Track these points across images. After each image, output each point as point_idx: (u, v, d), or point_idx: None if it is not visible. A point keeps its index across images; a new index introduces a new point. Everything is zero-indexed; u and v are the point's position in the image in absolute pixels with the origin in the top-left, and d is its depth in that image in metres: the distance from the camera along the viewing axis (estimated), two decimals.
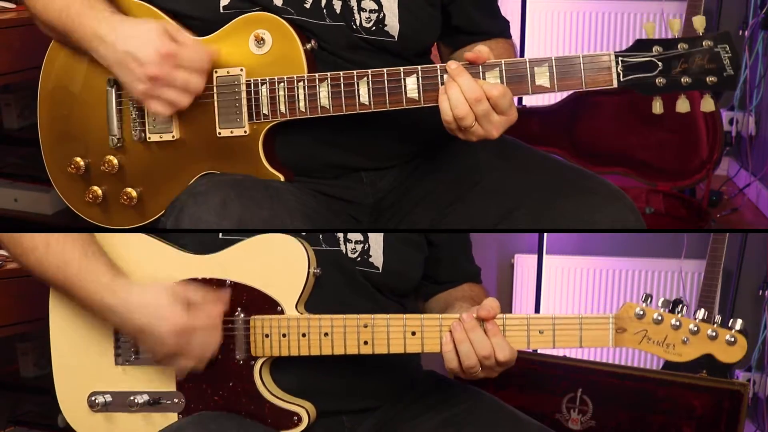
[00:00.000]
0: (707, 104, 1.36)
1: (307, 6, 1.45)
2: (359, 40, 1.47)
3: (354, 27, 1.46)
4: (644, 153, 2.98)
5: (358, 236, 1.43)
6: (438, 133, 1.60)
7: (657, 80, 1.34)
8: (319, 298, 1.37)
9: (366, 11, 1.46)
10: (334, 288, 1.40)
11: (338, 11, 1.45)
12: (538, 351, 2.66)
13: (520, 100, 3.07)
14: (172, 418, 1.38)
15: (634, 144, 2.98)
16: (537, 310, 2.98)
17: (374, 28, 1.47)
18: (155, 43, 1.35)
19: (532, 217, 1.43)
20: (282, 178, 1.45)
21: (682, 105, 1.35)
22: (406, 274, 1.49)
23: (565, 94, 3.08)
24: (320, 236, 1.41)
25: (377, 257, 1.44)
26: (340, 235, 1.42)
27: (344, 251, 1.42)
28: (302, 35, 1.43)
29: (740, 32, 3.10)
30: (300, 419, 1.35)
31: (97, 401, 1.40)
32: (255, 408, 1.36)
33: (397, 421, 1.44)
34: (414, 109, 1.42)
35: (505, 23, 1.65)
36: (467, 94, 1.33)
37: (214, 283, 1.36)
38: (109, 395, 1.40)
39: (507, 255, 3.01)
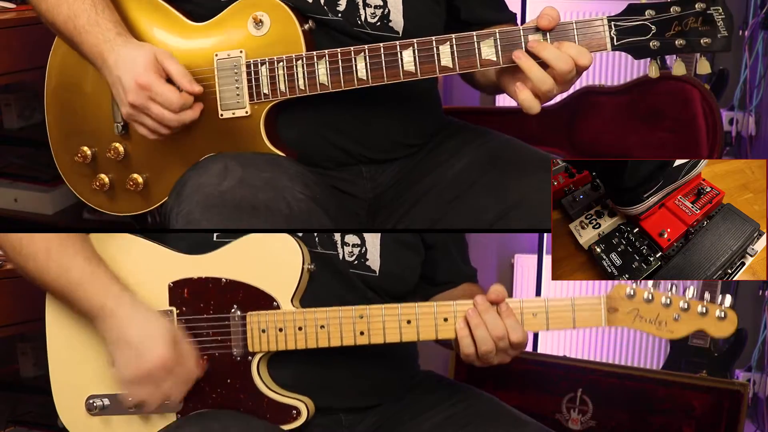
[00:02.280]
0: (703, 66, 1.38)
1: (310, 1, 1.46)
2: (363, 35, 1.47)
3: (358, 22, 1.47)
4: (644, 153, 2.97)
5: (355, 239, 1.43)
6: (438, 129, 1.60)
7: (651, 43, 1.34)
8: (316, 301, 1.37)
9: (371, 7, 1.48)
10: (330, 291, 1.40)
11: (342, 7, 1.46)
12: (539, 351, 2.67)
13: None
14: (171, 418, 1.39)
15: (634, 144, 2.96)
16: None
17: (379, 23, 1.48)
18: (137, 71, 1.37)
19: (532, 217, 1.43)
20: None
21: (678, 68, 1.36)
22: (403, 278, 1.49)
23: (565, 93, 3.07)
24: (316, 239, 1.41)
25: (374, 260, 1.44)
26: (338, 239, 1.42)
27: (341, 255, 1.42)
28: (300, 16, 1.44)
29: (740, 32, 3.09)
30: (299, 413, 1.35)
31: (95, 404, 1.40)
32: (253, 404, 1.36)
33: (396, 421, 1.44)
34: (415, 102, 1.42)
35: (512, 15, 1.67)
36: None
37: (210, 282, 1.37)
38: (107, 398, 1.40)
39: (507, 255, 3.00)
